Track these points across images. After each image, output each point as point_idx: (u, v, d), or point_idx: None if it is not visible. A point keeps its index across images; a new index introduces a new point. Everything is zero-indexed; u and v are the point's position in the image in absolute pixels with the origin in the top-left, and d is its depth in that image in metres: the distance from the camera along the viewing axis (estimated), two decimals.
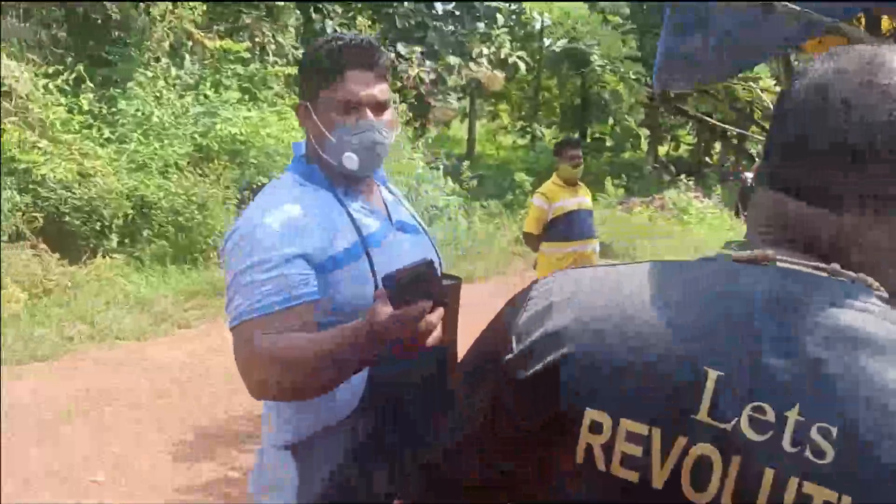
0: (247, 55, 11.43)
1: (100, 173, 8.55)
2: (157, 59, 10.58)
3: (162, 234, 9.09)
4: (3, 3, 8.72)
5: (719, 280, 0.77)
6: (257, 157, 9.78)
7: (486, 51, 16.41)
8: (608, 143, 20.42)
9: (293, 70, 11.24)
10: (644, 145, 20.20)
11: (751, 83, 7.60)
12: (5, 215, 7.49)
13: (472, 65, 16.13)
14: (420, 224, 1.90)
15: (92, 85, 9.62)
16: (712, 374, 0.72)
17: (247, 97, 10.96)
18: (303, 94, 1.74)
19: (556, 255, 5.37)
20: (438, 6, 15.69)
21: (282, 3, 12.30)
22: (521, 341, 0.82)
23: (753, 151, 19.19)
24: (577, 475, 0.77)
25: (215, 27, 11.59)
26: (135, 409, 5.19)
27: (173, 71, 10.69)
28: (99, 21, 9.90)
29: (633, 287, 0.80)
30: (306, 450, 1.62)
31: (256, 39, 11.85)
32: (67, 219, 8.23)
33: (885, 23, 2.58)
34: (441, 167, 12.57)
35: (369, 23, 14.32)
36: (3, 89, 8.33)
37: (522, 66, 17.07)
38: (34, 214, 7.97)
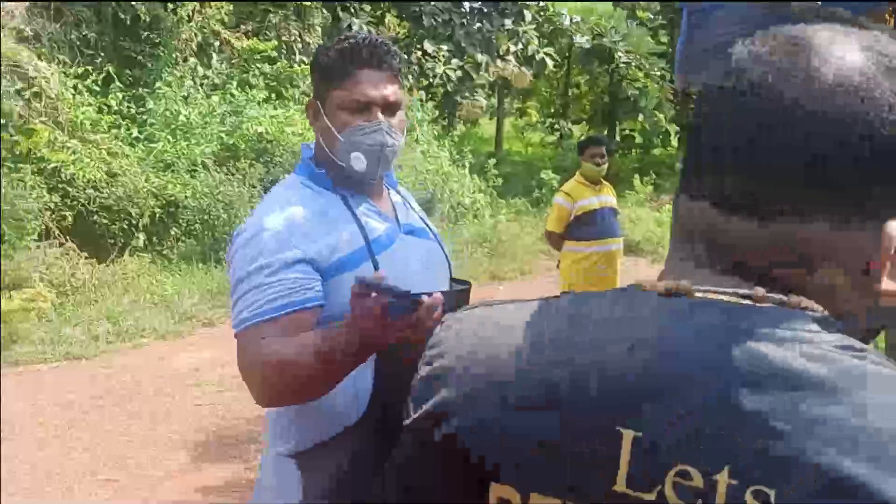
0: (274, 54, 11.47)
1: (128, 172, 8.64)
2: (185, 59, 10.67)
3: (189, 233, 9.16)
4: (3, 2, 8.80)
5: (631, 321, 0.66)
6: (283, 155, 9.82)
7: (513, 48, 16.33)
8: (637, 140, 20.21)
9: None
10: (674, 142, 19.97)
11: None
12: (35, 214, 7.58)
13: (499, 62, 16.06)
14: (430, 228, 1.87)
15: (121, 85, 9.72)
16: (628, 436, 0.61)
17: (273, 96, 11.01)
18: (314, 92, 1.72)
19: (578, 254, 5.32)
20: (466, 4, 15.64)
21: (309, 3, 12.33)
22: (417, 408, 0.73)
23: None
24: None
25: (242, 27, 11.65)
26: (158, 408, 5.22)
27: (201, 70, 10.76)
28: (128, 21, 9.98)
29: (534, 336, 0.69)
30: (310, 459, 1.60)
31: (283, 38, 11.89)
32: (96, 218, 8.32)
33: None
34: (467, 165, 12.53)
35: (398, 21, 14.32)
36: (33, 90, 8.44)
37: (550, 62, 16.95)
38: (63, 213, 8.06)
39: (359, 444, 1.57)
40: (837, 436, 0.57)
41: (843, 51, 0.64)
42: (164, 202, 8.96)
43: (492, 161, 13.73)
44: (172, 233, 9.13)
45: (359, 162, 1.63)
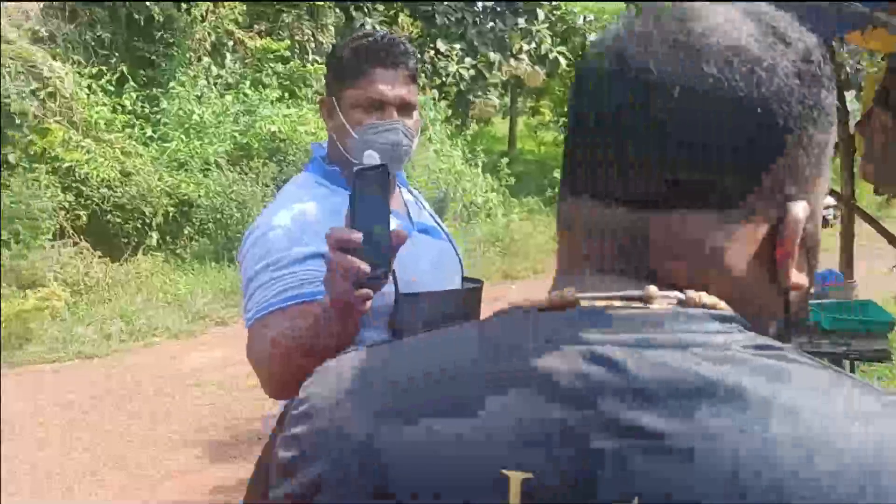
0: (287, 54, 11.49)
1: (141, 172, 8.68)
2: (199, 59, 10.70)
3: (202, 232, 9.18)
4: (12, 1, 8.84)
5: (511, 348, 0.57)
6: (296, 154, 9.83)
7: (526, 47, 16.27)
8: None
9: None
10: None
11: None
12: (49, 213, 7.62)
13: (512, 61, 16.02)
14: (442, 227, 1.85)
15: (135, 84, 9.76)
16: (516, 479, 0.53)
17: (286, 95, 11.02)
18: (328, 89, 1.70)
19: None
20: (479, 3, 15.60)
21: (322, 3, 12.34)
22: (283, 481, 0.62)
23: None
24: None
25: (256, 26, 11.67)
26: (171, 407, 5.23)
27: (214, 70, 10.79)
28: (141, 22, 10.02)
29: (403, 383, 0.60)
30: None
31: (296, 38, 11.90)
32: (109, 217, 8.36)
33: None
34: (480, 164, 12.51)
35: (411, 20, 14.31)
36: (48, 90, 8.48)
37: (563, 61, 16.89)
38: (77, 212, 8.10)
39: None
40: (757, 450, 0.49)
41: (727, 20, 0.57)
42: (178, 201, 8.99)
43: (504, 160, 13.70)
44: (186, 232, 9.15)
45: (372, 160, 1.61)
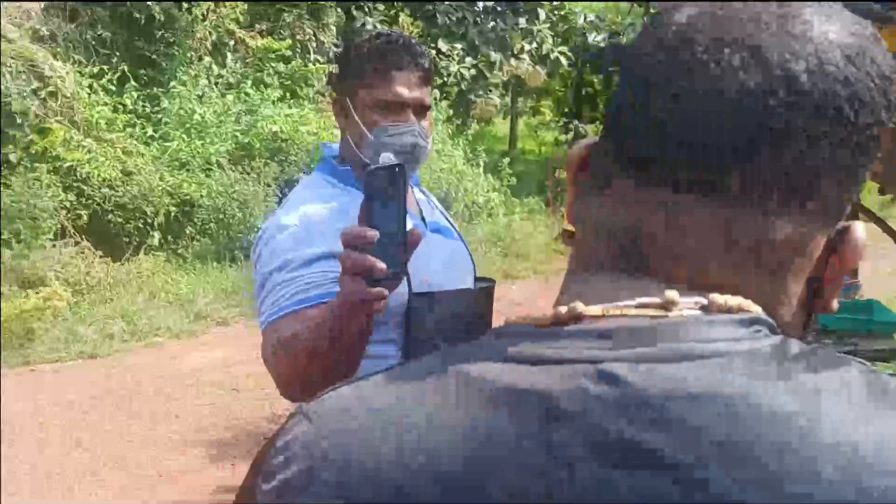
0: (288, 53, 11.47)
1: (143, 171, 8.65)
2: (200, 58, 10.68)
3: (204, 232, 9.17)
4: (12, 1, 8.83)
5: (505, 370, 0.52)
6: (298, 154, 9.81)
7: (527, 46, 16.26)
8: None
9: (334, 68, 11.23)
10: None
11: None
12: (50, 213, 7.61)
13: (513, 61, 16.00)
14: (454, 227, 1.84)
15: (136, 84, 9.74)
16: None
17: (288, 95, 11.01)
18: (341, 89, 1.68)
19: None
20: (479, 3, 15.58)
21: (323, 2, 12.33)
22: None
23: None
24: None
25: (257, 26, 11.65)
26: (173, 408, 5.22)
27: (215, 69, 10.77)
28: (142, 21, 10.00)
29: (393, 423, 0.54)
30: None
31: (298, 37, 11.88)
32: (111, 216, 8.34)
33: None
34: (482, 164, 12.49)
35: (411, 20, 14.29)
36: (48, 89, 8.47)
37: (564, 61, 16.88)
38: (78, 212, 8.09)
39: None
40: (809, 477, 0.44)
41: (826, 20, 0.52)
42: (179, 201, 8.97)
43: (506, 160, 13.69)
44: (187, 232, 9.14)
45: (388, 162, 1.60)
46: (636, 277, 0.55)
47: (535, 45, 16.33)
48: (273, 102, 10.40)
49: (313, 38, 12.19)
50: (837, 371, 0.49)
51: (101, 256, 7.83)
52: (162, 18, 10.12)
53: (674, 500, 0.46)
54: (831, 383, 0.48)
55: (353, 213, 1.58)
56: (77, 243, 7.83)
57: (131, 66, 9.78)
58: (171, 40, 10.35)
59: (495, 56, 15.19)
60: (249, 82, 10.68)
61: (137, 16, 9.90)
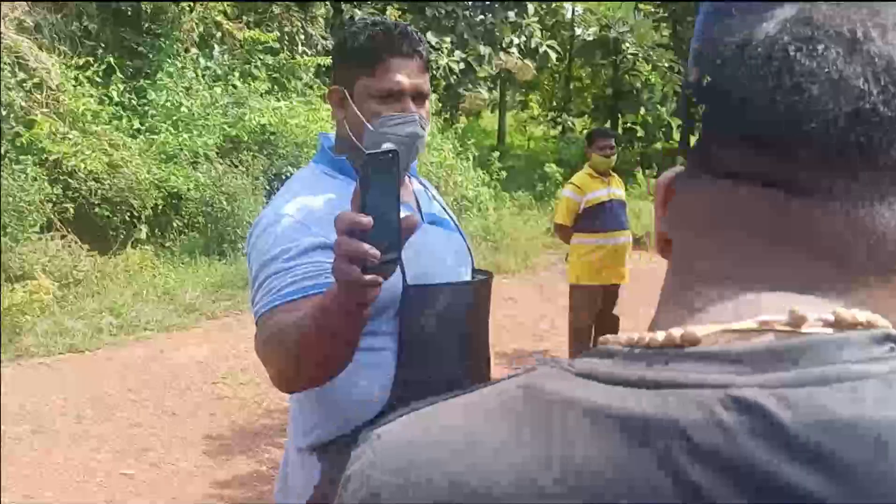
0: (276, 45, 11.40)
1: (129, 164, 8.57)
2: (187, 50, 10.60)
3: (191, 225, 9.11)
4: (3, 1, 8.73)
5: (621, 397, 0.46)
6: (286, 146, 9.76)
7: (516, 40, 16.25)
8: (639, 134, 20.17)
9: (323, 60, 11.19)
10: (676, 135, 19.94)
11: None
12: (37, 206, 7.53)
13: (502, 54, 15.99)
14: (452, 219, 1.81)
15: (122, 76, 9.65)
16: None
17: (276, 87, 10.94)
18: (337, 78, 1.63)
19: (588, 246, 5.26)
20: None
21: None
22: None
23: None
24: None
25: (244, 17, 11.58)
26: (165, 401, 5.18)
27: (203, 61, 10.70)
28: (129, 12, 9.91)
29: (472, 452, 0.48)
30: (331, 452, 1.55)
31: (286, 29, 11.82)
32: (97, 210, 8.27)
33: None
34: (471, 157, 12.48)
35: (399, 13, 14.24)
36: (34, 81, 8.37)
37: (553, 55, 16.89)
38: (65, 205, 8.00)
39: None
40: None
41: None
42: (167, 194, 8.91)
43: (495, 154, 13.68)
44: (175, 225, 9.08)
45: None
46: (755, 289, 0.49)
47: (523, 38, 16.32)
48: (261, 95, 10.34)
49: (301, 31, 12.13)
50: None
51: (88, 250, 7.76)
52: (148, 10, 10.04)
53: None
54: None
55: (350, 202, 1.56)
56: (64, 237, 7.76)
57: (117, 58, 9.70)
58: (158, 32, 10.27)
59: (484, 50, 15.17)
60: (237, 74, 10.61)
61: (124, 7, 9.81)
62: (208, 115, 9.96)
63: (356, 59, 1.58)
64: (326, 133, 1.75)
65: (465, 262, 1.75)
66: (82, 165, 8.14)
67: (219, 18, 11.11)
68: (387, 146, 1.44)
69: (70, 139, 8.32)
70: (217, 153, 9.48)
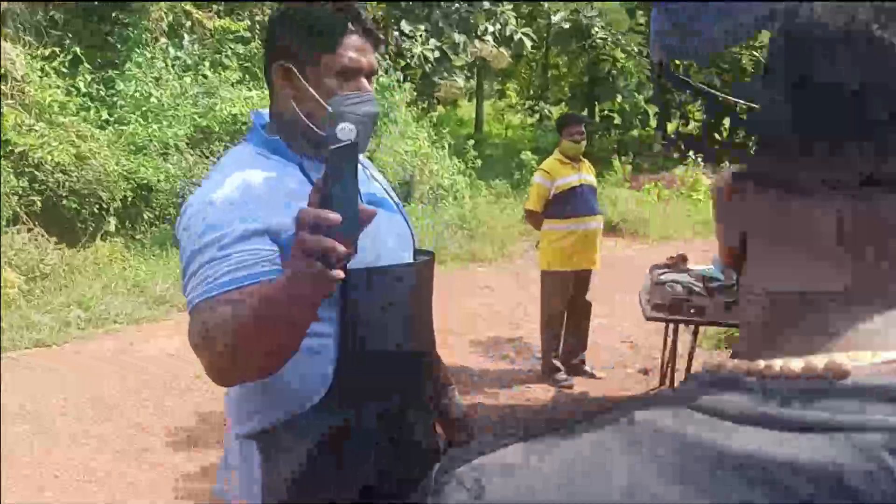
0: (246, 34, 11.27)
1: (98, 156, 8.44)
2: (156, 40, 10.45)
3: (162, 217, 8.99)
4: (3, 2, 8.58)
5: (767, 440, 0.40)
6: None
7: (491, 28, 16.18)
8: (616, 121, 20.17)
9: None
10: (653, 122, 19.96)
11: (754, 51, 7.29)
12: (3, 199, 7.39)
13: (477, 42, 15.92)
14: (393, 199, 1.75)
15: (89, 66, 9.50)
16: None
17: (247, 77, 10.81)
18: (282, 54, 1.53)
19: (558, 232, 5.23)
20: None
21: None
22: None
23: None
24: None
25: (215, 6, 11.43)
26: (135, 394, 5.11)
27: (172, 51, 10.55)
28: (96, 2, 9.75)
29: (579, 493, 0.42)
30: (271, 440, 1.50)
31: (256, 18, 11.68)
32: (65, 202, 8.13)
33: None
34: (447, 146, 12.43)
35: (374, 1, 14.13)
36: (0, 72, 8.22)
37: (528, 42, 16.84)
38: (31, 198, 7.87)
39: (325, 422, 1.48)
40: None
41: None
42: (136, 185, 8.78)
43: (470, 142, 13.64)
44: (145, 217, 8.96)
45: (347, 132, 1.50)
46: (884, 311, 0.43)
47: (498, 26, 16.25)
48: (232, 84, 10.22)
49: None
50: None
51: (56, 243, 7.64)
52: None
53: None
54: None
55: (290, 185, 1.50)
56: (30, 230, 7.63)
57: (84, 48, 9.54)
58: (126, 21, 10.11)
59: (459, 38, 15.09)
60: (207, 64, 10.48)
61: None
62: (178, 105, 9.83)
63: (312, 35, 1.52)
64: (259, 111, 1.67)
65: (406, 244, 1.70)
66: (49, 157, 8.00)
67: (188, 7, 10.97)
68: (344, 130, 1.39)
69: (36, 131, 8.18)
70: (187, 144, 9.36)
